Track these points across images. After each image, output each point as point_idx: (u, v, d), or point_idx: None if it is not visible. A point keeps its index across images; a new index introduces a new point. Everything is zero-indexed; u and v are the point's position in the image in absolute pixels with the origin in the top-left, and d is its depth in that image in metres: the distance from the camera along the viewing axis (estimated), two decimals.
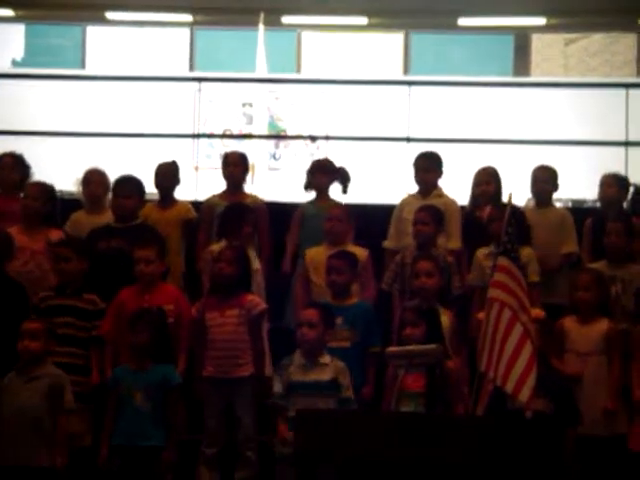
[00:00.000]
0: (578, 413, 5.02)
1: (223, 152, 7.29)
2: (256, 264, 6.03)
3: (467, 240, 6.37)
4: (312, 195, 6.79)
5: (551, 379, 4.95)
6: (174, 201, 6.80)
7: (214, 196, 6.85)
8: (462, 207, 6.68)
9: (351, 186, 6.82)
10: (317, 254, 6.12)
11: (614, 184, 6.73)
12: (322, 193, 6.74)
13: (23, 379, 5.09)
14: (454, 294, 5.87)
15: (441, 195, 6.60)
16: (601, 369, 5.41)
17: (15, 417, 5.02)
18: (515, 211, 5.78)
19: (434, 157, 6.70)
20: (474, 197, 6.72)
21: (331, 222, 6.20)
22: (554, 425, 4.84)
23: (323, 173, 6.73)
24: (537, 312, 5.20)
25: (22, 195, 6.39)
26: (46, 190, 6.32)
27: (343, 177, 6.77)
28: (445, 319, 5.38)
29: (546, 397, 4.85)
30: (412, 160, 6.76)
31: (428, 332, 5.05)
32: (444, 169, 6.69)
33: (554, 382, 5.00)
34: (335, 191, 6.80)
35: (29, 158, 6.80)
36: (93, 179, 6.71)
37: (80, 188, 6.81)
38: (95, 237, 6.14)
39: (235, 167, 6.82)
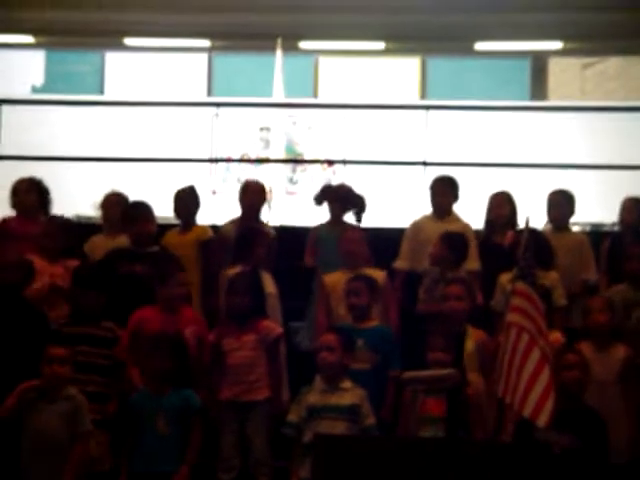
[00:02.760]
0: (607, 454, 4.93)
1: (243, 178, 7.32)
2: (271, 287, 6.05)
3: (484, 265, 6.36)
4: (326, 216, 6.80)
5: (582, 414, 4.89)
6: (194, 225, 6.83)
7: (227, 223, 6.88)
8: (479, 231, 6.69)
9: (368, 210, 6.82)
10: (335, 280, 6.08)
11: (635, 209, 6.70)
12: (336, 218, 6.74)
13: (45, 401, 5.10)
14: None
15: (457, 219, 6.62)
16: (620, 397, 5.37)
17: (36, 439, 5.04)
18: (537, 235, 5.80)
19: (451, 181, 6.72)
20: (489, 221, 6.72)
21: (347, 245, 6.20)
22: (580, 461, 4.77)
23: (338, 203, 6.67)
24: (556, 336, 5.17)
25: (41, 230, 6.35)
26: (63, 226, 6.35)
27: (359, 206, 6.75)
28: (470, 343, 5.37)
29: (572, 432, 4.79)
30: (429, 184, 6.78)
31: (456, 357, 5.03)
32: (460, 193, 6.70)
33: (585, 417, 4.93)
34: (349, 217, 6.81)
35: (49, 183, 6.86)
36: (111, 202, 6.75)
37: (99, 211, 6.86)
38: (116, 260, 6.14)
39: (255, 195, 6.85)
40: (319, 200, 6.78)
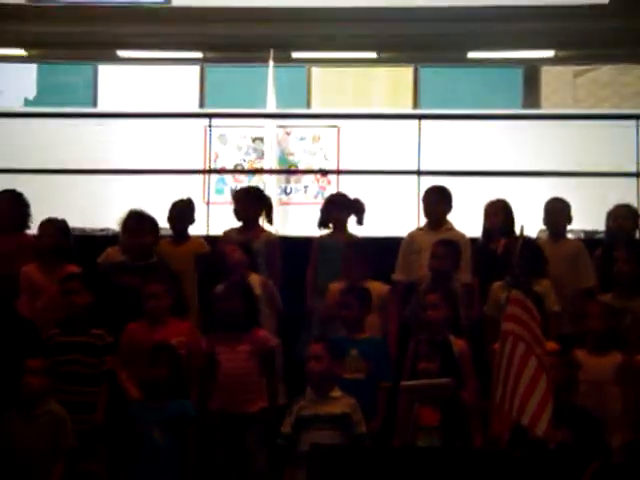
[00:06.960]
0: (606, 446, 4.93)
1: (234, 187, 7.31)
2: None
3: (480, 272, 6.36)
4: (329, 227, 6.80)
5: (573, 409, 4.90)
6: (188, 236, 6.81)
7: (232, 230, 6.85)
8: (475, 240, 6.69)
9: (364, 219, 6.82)
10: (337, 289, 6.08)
11: (629, 216, 6.71)
12: (339, 227, 6.75)
13: (23, 417, 5.03)
14: (463, 325, 5.85)
15: (451, 229, 6.62)
16: (613, 399, 5.35)
17: (15, 457, 4.95)
18: (531, 243, 5.80)
19: (443, 191, 6.73)
20: (485, 229, 6.73)
21: (343, 262, 6.20)
22: (577, 456, 4.78)
23: (339, 209, 6.73)
24: (550, 345, 5.15)
25: (37, 233, 6.38)
26: (59, 226, 6.32)
27: (358, 209, 6.78)
28: (456, 349, 5.38)
29: (566, 427, 4.79)
30: (422, 193, 6.79)
31: (442, 365, 5.04)
32: (454, 202, 6.71)
33: (577, 413, 4.94)
34: (351, 222, 6.81)
35: (42, 196, 6.82)
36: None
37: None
38: (113, 273, 6.12)
39: (245, 204, 6.83)
40: (322, 223, 6.77)
